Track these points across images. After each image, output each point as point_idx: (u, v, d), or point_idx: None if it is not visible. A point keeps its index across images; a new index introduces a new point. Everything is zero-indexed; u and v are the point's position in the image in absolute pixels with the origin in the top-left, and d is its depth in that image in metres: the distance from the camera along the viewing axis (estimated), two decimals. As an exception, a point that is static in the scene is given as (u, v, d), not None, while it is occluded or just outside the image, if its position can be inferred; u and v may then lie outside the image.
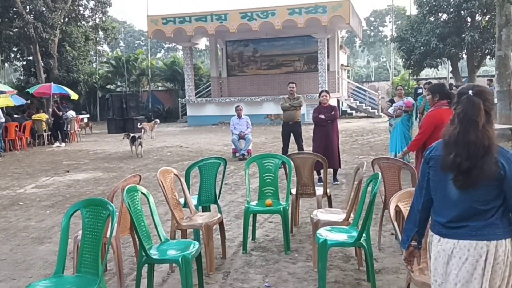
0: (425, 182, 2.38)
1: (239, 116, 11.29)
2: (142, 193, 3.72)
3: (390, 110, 8.90)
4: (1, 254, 4.96)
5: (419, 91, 17.38)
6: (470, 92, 2.23)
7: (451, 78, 25.18)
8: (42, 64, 24.28)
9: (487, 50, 19.94)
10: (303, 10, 19.88)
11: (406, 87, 23.86)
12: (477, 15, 20.20)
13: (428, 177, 2.36)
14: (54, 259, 4.45)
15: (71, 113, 17.78)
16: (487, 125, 2.18)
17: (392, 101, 9.09)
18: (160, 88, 33.16)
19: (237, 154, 11.10)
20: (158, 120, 17.38)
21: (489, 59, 21.66)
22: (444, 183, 2.25)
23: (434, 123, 4.49)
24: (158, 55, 57.55)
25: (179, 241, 4.05)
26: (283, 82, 20.62)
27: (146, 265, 3.54)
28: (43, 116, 16.33)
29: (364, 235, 3.58)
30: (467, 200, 2.20)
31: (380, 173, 3.94)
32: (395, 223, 2.99)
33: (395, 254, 4.47)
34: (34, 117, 16.02)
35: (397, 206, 2.99)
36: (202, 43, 27.33)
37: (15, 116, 16.32)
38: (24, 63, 28.69)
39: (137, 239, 3.69)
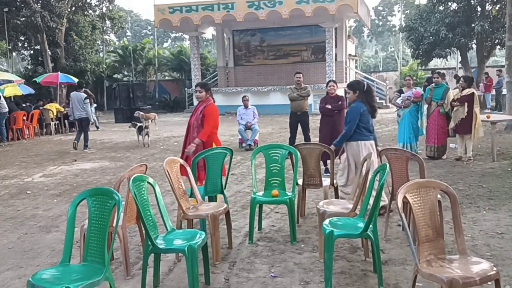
0: (357, 121, 5.11)
1: (246, 106, 11.25)
2: (148, 182, 3.71)
3: (399, 101, 8.82)
4: (8, 243, 4.99)
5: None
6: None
7: (460, 68, 24.92)
8: (49, 53, 24.31)
9: (497, 40, 19.68)
10: (310, -1, 19.69)
11: (415, 78, 23.64)
12: (487, 4, 19.91)
13: (359, 118, 5.10)
14: (61, 248, 4.46)
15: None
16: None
17: (400, 92, 9.01)
18: (167, 78, 33.12)
19: (243, 144, 11.08)
20: (155, 115, 16.56)
21: (499, 49, 21.39)
22: (368, 117, 5.17)
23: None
24: (165, 44, 57.45)
25: (185, 230, 4.05)
26: (290, 72, 20.47)
27: (152, 254, 3.54)
28: (52, 105, 16.41)
29: (371, 226, 3.56)
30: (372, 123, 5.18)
31: (387, 164, 3.90)
32: (403, 214, 2.95)
33: (402, 245, 4.45)
34: (45, 106, 16.13)
35: (404, 197, 2.96)
36: (209, 32, 27.24)
37: (24, 105, 16.38)
38: (32, 52, 28.76)
39: (143, 229, 3.70)
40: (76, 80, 18.35)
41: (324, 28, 21.22)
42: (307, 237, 4.79)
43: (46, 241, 5.02)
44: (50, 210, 6.24)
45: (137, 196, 3.47)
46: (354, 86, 5.30)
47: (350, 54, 26.43)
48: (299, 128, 9.04)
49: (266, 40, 24.32)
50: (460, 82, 8.72)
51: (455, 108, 8.37)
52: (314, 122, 9.82)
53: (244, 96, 11.47)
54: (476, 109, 8.29)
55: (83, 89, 13.00)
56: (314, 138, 9.19)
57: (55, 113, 16.38)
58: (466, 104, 8.22)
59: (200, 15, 21.02)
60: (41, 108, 16.44)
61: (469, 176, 7.27)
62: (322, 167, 6.82)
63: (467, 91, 8.30)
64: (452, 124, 8.46)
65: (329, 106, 7.51)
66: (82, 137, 11.84)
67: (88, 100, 12.01)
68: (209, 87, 5.62)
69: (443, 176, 7.29)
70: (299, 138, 9.24)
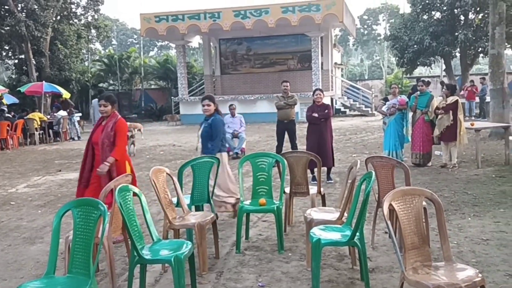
0: None
1: (233, 115, 11.26)
2: (134, 192, 3.68)
3: (384, 109, 8.92)
4: (-9, 255, 4.90)
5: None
6: None
7: (444, 76, 25.28)
8: (34, 62, 24.08)
9: (480, 49, 20.04)
10: (296, 8, 19.86)
11: (400, 86, 23.92)
12: (470, 13, 20.29)
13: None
14: (45, 260, 4.40)
15: (62, 113, 17.66)
16: None
17: (386, 100, 9.12)
18: (153, 86, 33.01)
19: (230, 153, 11.04)
20: (141, 126, 16.36)
21: (482, 57, 21.77)
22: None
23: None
24: (151, 53, 57.33)
25: (172, 241, 4.01)
26: (276, 81, 20.56)
27: (139, 265, 3.50)
28: (35, 115, 16.22)
29: (357, 234, 3.57)
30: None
31: (373, 172, 3.93)
32: (389, 222, 2.97)
33: (388, 253, 4.47)
34: (28, 116, 15.95)
35: (390, 205, 2.98)
36: (195, 41, 27.26)
37: (8, 115, 16.17)
38: (16, 61, 28.44)
39: (129, 239, 3.66)
40: (61, 89, 18.21)
41: (310, 37, 21.40)
42: (294, 245, 4.78)
43: (31, 252, 4.93)
44: (34, 221, 6.15)
45: (123, 206, 3.44)
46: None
47: (336, 63, 26.66)
48: (286, 136, 9.07)
49: (253, 48, 24.43)
50: (443, 90, 8.86)
51: (439, 116, 8.48)
52: (301, 130, 9.87)
53: (231, 105, 11.48)
54: (460, 116, 8.41)
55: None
56: (301, 146, 9.22)
57: (39, 123, 16.19)
58: (451, 112, 8.34)
59: (186, 24, 21.03)
60: (25, 117, 16.24)
61: (454, 183, 7.36)
62: (309, 175, 6.85)
63: (451, 99, 8.43)
64: (437, 132, 8.57)
65: (315, 115, 7.55)
66: None
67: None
68: (115, 100, 5.06)
69: (428, 183, 7.36)
70: (286, 146, 9.26)
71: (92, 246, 3.10)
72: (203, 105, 5.48)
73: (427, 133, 8.72)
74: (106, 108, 4.93)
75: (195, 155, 5.94)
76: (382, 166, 4.58)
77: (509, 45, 16.25)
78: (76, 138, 17.28)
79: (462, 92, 19.08)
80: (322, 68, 22.42)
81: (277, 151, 8.67)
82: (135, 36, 58.51)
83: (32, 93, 19.29)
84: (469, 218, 5.48)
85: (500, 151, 9.79)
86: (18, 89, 19.61)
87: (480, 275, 2.83)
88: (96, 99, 12.59)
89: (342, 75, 31.51)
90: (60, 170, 10.19)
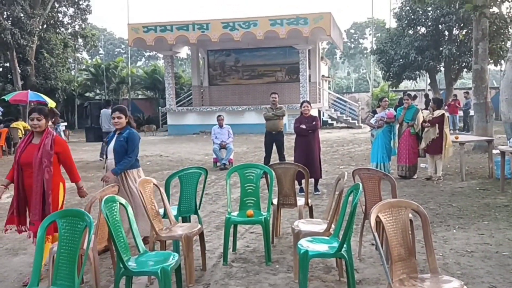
0: None
1: (221, 126, 11.26)
2: (120, 203, 3.65)
3: (372, 121, 9.01)
4: (-28, 266, 4.79)
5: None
6: None
7: (429, 90, 25.66)
8: (19, 71, 23.84)
9: (464, 63, 20.41)
10: (284, 21, 20.05)
11: (387, 99, 24.18)
12: (454, 29, 20.70)
13: None
14: (29, 271, 4.33)
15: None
16: None
17: (374, 112, 9.21)
18: (140, 96, 32.90)
19: (218, 164, 11.05)
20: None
21: (466, 72, 22.16)
22: None
23: None
24: (139, 63, 57.20)
25: (158, 252, 3.98)
26: (265, 92, 20.70)
27: (124, 277, 3.46)
28: (19, 124, 16.02)
29: (345, 245, 3.58)
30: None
31: (360, 184, 3.95)
32: (376, 234, 2.99)
33: (375, 264, 4.48)
34: (12, 125, 15.73)
35: (377, 216, 3.00)
36: (184, 52, 27.30)
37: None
38: (0, 69, 28.14)
39: (115, 251, 3.62)
40: (46, 98, 18.01)
41: (298, 50, 21.61)
42: (282, 257, 4.77)
43: (13, 264, 4.84)
44: (17, 232, 6.02)
45: (109, 217, 3.40)
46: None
47: (323, 75, 26.91)
48: (274, 147, 9.09)
49: (241, 60, 24.55)
50: (430, 104, 8.98)
51: (425, 129, 8.59)
52: (289, 142, 9.89)
53: (219, 116, 11.49)
54: (446, 129, 8.54)
55: (108, 105, 13.86)
56: (289, 157, 9.24)
57: (23, 132, 15.98)
58: (437, 125, 8.46)
59: (174, 35, 21.08)
60: (9, 126, 16.03)
61: (439, 195, 7.43)
62: (297, 187, 6.86)
63: (438, 113, 8.56)
64: (423, 145, 8.67)
65: (303, 126, 7.59)
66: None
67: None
68: (47, 113, 4.54)
69: (414, 195, 7.43)
70: (274, 157, 9.27)
71: (78, 257, 3.06)
72: (113, 118, 5.05)
73: (413, 146, 8.82)
74: (40, 122, 4.37)
75: (102, 173, 5.48)
76: (369, 178, 4.62)
77: (492, 60, 16.54)
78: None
79: (445, 107, 19.39)
80: (309, 81, 22.61)
81: (265, 162, 8.68)
82: (123, 46, 58.34)
83: (17, 102, 19.02)
84: (454, 230, 5.53)
85: (484, 164, 9.94)
86: (2, 97, 19.34)
87: (465, 287, 2.85)
88: (105, 109, 13.12)
89: (329, 88, 31.77)
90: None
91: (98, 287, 3.85)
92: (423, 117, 8.83)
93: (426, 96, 18.14)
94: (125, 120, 5.05)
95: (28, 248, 5.32)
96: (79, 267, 3.25)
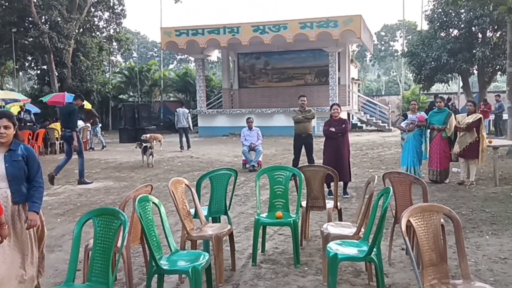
0: None
1: (250, 128, 11.34)
2: (153, 203, 3.74)
3: (403, 125, 8.89)
4: (12, 261, 4.98)
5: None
6: None
7: (461, 93, 25.04)
8: (56, 73, 24.64)
9: (498, 66, 19.84)
10: (314, 24, 20.00)
11: (415, 102, 23.78)
12: (488, 31, 20.14)
13: None
14: (64, 268, 4.48)
15: (81, 123, 17.99)
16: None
17: (405, 116, 9.08)
18: (172, 98, 33.41)
19: (247, 166, 11.12)
20: (162, 137, 16.57)
21: (500, 75, 21.54)
22: None
23: None
24: (171, 66, 58.04)
25: (189, 251, 4.06)
26: (293, 95, 20.67)
27: (156, 275, 3.55)
28: (57, 125, 16.54)
29: (374, 249, 3.56)
30: None
31: (391, 187, 3.93)
32: (406, 238, 2.97)
33: (405, 269, 4.43)
34: (50, 126, 16.29)
35: (408, 221, 2.98)
36: (214, 55, 27.56)
37: (30, 124, 16.54)
38: (38, 72, 29.15)
39: (148, 249, 3.71)
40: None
41: (328, 53, 21.50)
42: (310, 259, 4.78)
43: (49, 261, 5.00)
44: (53, 230, 6.24)
45: (142, 216, 3.50)
46: None
47: (353, 78, 26.67)
48: (303, 150, 9.09)
49: (271, 63, 24.61)
50: (468, 106, 8.74)
51: (461, 133, 8.40)
52: (318, 145, 9.88)
53: (248, 118, 11.57)
54: (483, 133, 8.36)
55: (183, 105, 16.49)
56: (318, 160, 9.23)
57: (60, 133, 16.50)
58: (474, 129, 8.27)
59: (206, 38, 21.33)
60: (46, 127, 16.59)
61: (472, 201, 7.27)
62: (326, 189, 6.85)
63: (475, 116, 8.35)
64: (457, 149, 8.48)
65: (333, 129, 7.57)
66: (184, 140, 15.59)
67: (189, 114, 15.87)
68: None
69: (445, 200, 7.29)
70: (303, 160, 9.27)
71: (112, 255, 3.15)
72: None
73: (444, 150, 8.65)
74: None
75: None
76: (400, 182, 4.57)
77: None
78: (95, 148, 17.55)
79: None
80: (339, 83, 22.46)
81: (294, 165, 8.69)
82: (156, 49, 59.39)
83: (53, 103, 19.67)
84: (487, 236, 5.41)
85: (520, 170, 9.66)
86: (40, 99, 20.04)
87: (498, 294, 2.80)
88: (180, 108, 15.53)
89: (359, 90, 31.44)
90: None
91: (131, 285, 3.95)
92: (458, 122, 8.60)
93: (449, 100, 17.67)
94: (13, 131, 3.65)
95: (63, 245, 5.50)
96: (113, 265, 3.36)
